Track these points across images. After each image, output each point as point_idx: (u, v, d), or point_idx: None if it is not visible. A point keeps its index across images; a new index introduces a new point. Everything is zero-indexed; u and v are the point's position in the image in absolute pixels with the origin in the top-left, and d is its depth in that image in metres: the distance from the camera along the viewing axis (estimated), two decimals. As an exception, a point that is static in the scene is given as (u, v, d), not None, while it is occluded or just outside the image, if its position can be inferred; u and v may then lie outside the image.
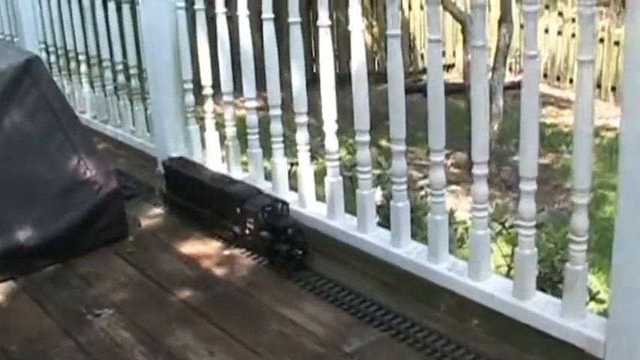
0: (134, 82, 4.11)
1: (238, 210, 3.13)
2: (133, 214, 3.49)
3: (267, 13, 3.11)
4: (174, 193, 3.58)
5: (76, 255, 3.16)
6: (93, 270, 3.10)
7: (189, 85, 3.72)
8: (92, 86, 4.55)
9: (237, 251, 3.16)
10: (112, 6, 4.11)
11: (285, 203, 3.12)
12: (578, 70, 2.12)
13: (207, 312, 2.76)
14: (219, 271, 3.04)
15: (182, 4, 3.60)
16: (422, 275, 2.70)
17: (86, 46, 4.45)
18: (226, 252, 3.18)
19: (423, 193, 4.68)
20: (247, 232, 3.12)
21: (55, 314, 2.81)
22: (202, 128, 3.74)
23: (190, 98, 3.74)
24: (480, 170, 2.48)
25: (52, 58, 4.80)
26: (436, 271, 2.66)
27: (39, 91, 3.11)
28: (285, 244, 2.98)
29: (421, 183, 6.12)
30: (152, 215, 3.57)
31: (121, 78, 4.25)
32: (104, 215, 3.22)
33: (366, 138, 2.88)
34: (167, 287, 2.94)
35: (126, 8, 3.98)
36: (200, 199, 3.39)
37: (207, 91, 3.60)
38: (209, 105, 3.62)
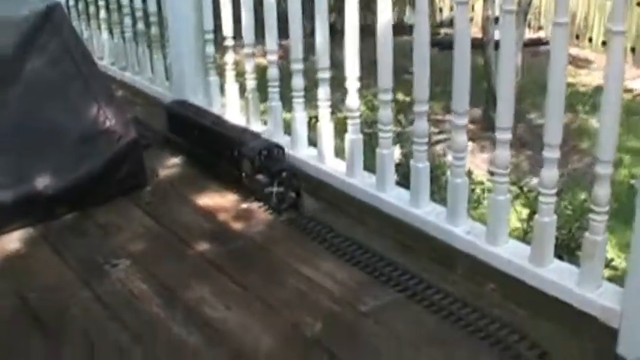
0: (154, 30, 4.08)
1: (236, 153, 3.22)
2: (151, 164, 3.50)
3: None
4: (176, 135, 3.64)
5: (94, 204, 3.17)
6: (111, 220, 3.11)
7: (211, 36, 3.69)
8: (111, 32, 4.52)
9: (254, 205, 3.17)
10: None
11: (280, 147, 3.21)
12: (609, 42, 2.09)
13: (224, 266, 2.76)
14: (236, 225, 3.05)
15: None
16: (440, 237, 2.70)
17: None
18: (243, 205, 3.18)
19: (440, 150, 4.70)
20: (244, 174, 3.20)
21: (73, 263, 2.82)
22: (222, 79, 3.72)
23: (211, 49, 3.72)
24: (504, 135, 2.46)
25: (71, 1, 4.77)
26: (454, 234, 2.66)
27: (60, 38, 3.09)
28: (279, 187, 3.08)
29: (437, 138, 6.15)
30: (170, 165, 3.57)
31: (140, 25, 4.22)
32: (123, 165, 3.22)
33: (389, 97, 2.86)
34: (184, 239, 2.95)
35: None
36: (200, 142, 3.48)
37: (229, 42, 3.57)
38: (230, 56, 3.60)
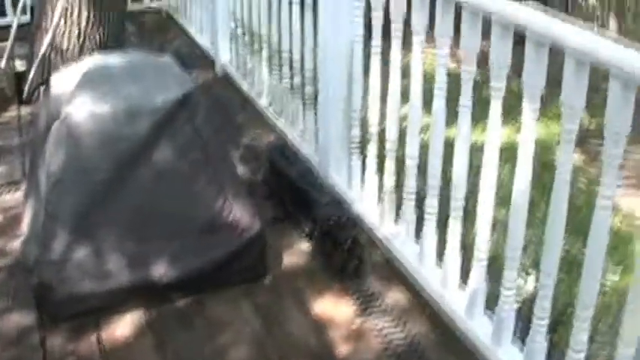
0: (308, 88, 3.94)
1: (311, 213, 3.40)
2: (278, 245, 3.42)
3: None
4: (271, 179, 3.81)
5: (209, 291, 3.13)
6: (221, 314, 3.06)
7: (357, 117, 3.52)
8: (271, 73, 4.43)
9: (369, 324, 3.02)
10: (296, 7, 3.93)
11: (350, 217, 3.35)
12: None
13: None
14: (341, 349, 2.90)
15: (360, 35, 3.38)
16: None
17: (270, 30, 4.32)
18: (358, 320, 3.04)
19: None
20: (315, 235, 3.36)
21: (170, 367, 2.82)
22: (364, 165, 3.56)
23: (356, 131, 3.55)
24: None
25: (239, 31, 4.72)
26: None
27: (193, 127, 3.02)
28: (343, 254, 3.21)
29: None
30: (296, 250, 3.44)
31: (297, 79, 4.09)
32: (243, 258, 3.15)
33: (516, 264, 2.62)
34: (285, 357, 2.87)
35: (308, 13, 3.79)
36: (286, 192, 3.65)
37: (373, 129, 3.39)
38: (373, 145, 3.42)
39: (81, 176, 2.96)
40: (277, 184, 3.75)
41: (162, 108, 2.98)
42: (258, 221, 3.18)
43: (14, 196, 3.85)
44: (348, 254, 3.21)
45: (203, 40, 5.65)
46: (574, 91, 2.23)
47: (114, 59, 3.29)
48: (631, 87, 2.04)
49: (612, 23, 8.14)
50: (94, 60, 3.30)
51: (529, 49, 2.35)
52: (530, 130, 2.44)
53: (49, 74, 4.36)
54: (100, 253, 2.99)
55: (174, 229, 3.06)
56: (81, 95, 2.98)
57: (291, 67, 4.14)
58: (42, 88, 3.37)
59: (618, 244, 3.85)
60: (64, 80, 3.17)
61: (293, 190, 3.61)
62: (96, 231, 2.99)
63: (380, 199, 3.41)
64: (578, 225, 2.64)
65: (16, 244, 3.40)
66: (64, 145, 2.95)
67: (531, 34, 2.33)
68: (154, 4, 6.76)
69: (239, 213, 3.12)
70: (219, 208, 3.10)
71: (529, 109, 2.42)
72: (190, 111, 3.03)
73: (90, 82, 3.06)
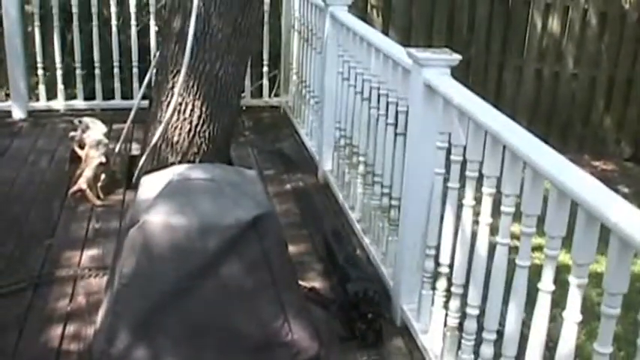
0: (393, 213, 3.97)
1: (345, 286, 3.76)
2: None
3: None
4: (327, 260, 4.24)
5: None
6: None
7: (432, 252, 3.52)
8: (364, 190, 4.48)
9: None
10: (390, 130, 4.01)
11: (376, 291, 3.63)
12: None
13: None
14: None
15: (441, 172, 3.40)
16: None
17: (367, 148, 4.39)
18: None
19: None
20: (343, 306, 3.69)
21: None
22: (434, 298, 3.54)
23: (430, 264, 3.55)
24: None
25: (342, 142, 4.82)
26: None
27: (262, 248, 3.10)
28: (363, 325, 3.53)
29: None
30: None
31: (385, 201, 4.13)
32: (299, 377, 3.19)
33: None
34: None
35: (401, 139, 3.85)
36: (332, 270, 4.09)
37: (444, 269, 3.39)
38: (442, 283, 3.41)
39: (148, 283, 3.09)
40: (329, 261, 4.16)
41: (234, 227, 3.07)
42: (316, 344, 3.22)
43: (100, 282, 3.99)
44: (368, 326, 3.52)
45: (311, 143, 5.78)
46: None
47: (198, 172, 3.41)
48: None
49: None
50: (179, 170, 3.43)
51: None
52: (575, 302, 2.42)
53: (158, 165, 4.58)
54: (157, 357, 3.09)
55: (231, 343, 3.13)
56: (159, 205, 3.12)
57: (381, 188, 4.17)
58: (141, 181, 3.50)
59: None
60: (150, 185, 3.32)
61: (338, 270, 3.99)
62: (156, 336, 3.09)
63: (444, 335, 3.38)
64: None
65: (90, 331, 3.53)
66: (137, 251, 3.09)
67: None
68: (273, 101, 6.98)
69: (297, 334, 3.17)
70: (277, 328, 3.15)
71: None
72: (260, 232, 3.11)
73: (170, 193, 3.19)
